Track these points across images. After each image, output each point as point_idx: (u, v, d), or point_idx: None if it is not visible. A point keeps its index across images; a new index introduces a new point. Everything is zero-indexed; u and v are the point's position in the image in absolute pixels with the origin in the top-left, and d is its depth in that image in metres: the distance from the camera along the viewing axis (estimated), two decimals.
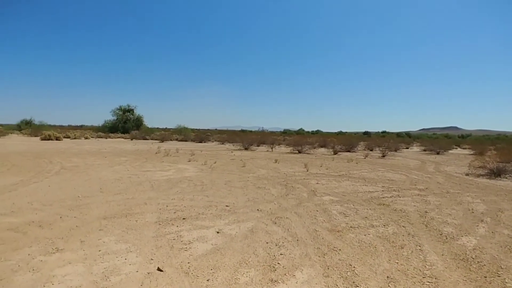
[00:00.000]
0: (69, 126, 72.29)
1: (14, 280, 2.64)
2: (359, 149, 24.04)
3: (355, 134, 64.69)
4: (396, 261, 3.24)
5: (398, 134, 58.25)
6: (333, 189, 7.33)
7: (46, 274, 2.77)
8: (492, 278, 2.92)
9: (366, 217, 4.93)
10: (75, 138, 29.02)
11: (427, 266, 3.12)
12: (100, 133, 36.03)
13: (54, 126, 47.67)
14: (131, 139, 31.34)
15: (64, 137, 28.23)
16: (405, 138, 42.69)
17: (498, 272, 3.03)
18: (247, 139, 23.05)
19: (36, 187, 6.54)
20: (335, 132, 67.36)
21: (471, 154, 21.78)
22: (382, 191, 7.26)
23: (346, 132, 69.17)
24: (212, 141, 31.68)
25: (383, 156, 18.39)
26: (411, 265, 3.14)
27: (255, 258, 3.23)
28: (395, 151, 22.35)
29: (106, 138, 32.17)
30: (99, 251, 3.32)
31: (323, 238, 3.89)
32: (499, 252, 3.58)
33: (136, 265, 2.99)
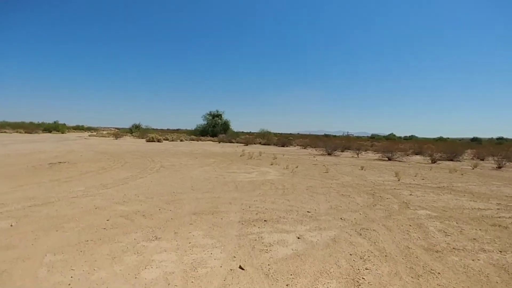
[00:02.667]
0: (167, 129, 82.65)
1: (123, 260, 3.10)
2: (465, 158, 20.66)
3: (459, 140, 55.91)
4: None
5: None
6: (430, 202, 6.44)
7: (147, 257, 3.17)
8: None
9: (474, 239, 4.15)
10: (172, 140, 32.92)
11: None
12: (192, 136, 40.03)
13: (156, 129, 55.12)
14: (219, 142, 33.84)
15: (164, 139, 32.30)
16: None
17: None
18: (331, 144, 22.29)
19: (141, 182, 7.62)
20: (434, 138, 59.42)
21: None
22: (498, 209, 6.03)
23: (448, 138, 60.31)
24: (294, 146, 31.74)
25: (499, 167, 15.35)
26: None
27: (337, 269, 3.05)
28: None
29: (197, 141, 35.50)
30: (189, 243, 3.64)
31: (417, 257, 3.43)
32: None
33: (220, 261, 3.17)
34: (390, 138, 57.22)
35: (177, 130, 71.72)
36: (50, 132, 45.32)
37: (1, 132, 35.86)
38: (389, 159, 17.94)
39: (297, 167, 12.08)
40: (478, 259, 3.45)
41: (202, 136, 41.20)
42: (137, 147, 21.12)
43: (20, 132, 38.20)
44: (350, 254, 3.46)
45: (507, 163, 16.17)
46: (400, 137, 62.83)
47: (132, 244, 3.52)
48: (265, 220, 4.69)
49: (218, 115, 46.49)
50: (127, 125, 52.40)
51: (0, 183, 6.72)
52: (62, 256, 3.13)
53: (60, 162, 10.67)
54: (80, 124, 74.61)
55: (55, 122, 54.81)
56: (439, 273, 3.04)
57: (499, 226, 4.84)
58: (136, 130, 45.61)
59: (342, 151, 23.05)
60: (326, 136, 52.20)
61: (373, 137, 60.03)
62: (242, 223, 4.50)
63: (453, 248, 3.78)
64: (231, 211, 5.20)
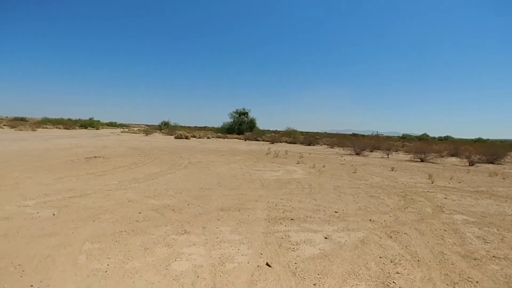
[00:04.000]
0: (195, 127, 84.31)
1: (155, 251, 3.22)
2: (507, 161, 19.25)
3: (501, 142, 52.13)
4: None
5: None
6: (467, 207, 6.08)
7: (177, 250, 3.27)
8: None
9: None
10: (199, 138, 33.63)
11: None
12: (219, 133, 40.65)
13: (184, 127, 56.54)
14: (245, 140, 34.07)
15: (192, 137, 33.09)
16: None
17: None
18: (359, 143, 21.66)
19: (170, 177, 7.86)
20: (472, 139, 55.88)
21: None
22: None
23: (488, 140, 56.44)
24: (321, 145, 31.23)
25: None
26: None
27: (366, 272, 2.97)
28: None
29: (224, 138, 35.98)
30: (217, 238, 3.71)
31: (452, 264, 3.26)
32: None
33: (247, 257, 3.20)
34: (423, 138, 54.53)
35: (204, 127, 73.18)
36: (86, 128, 48.08)
37: (43, 128, 38.51)
38: (422, 161, 17.14)
39: (324, 166, 11.89)
40: None
41: (229, 133, 41.71)
42: (166, 143, 21.80)
43: (59, 128, 40.84)
44: (380, 257, 3.36)
45: None
46: (434, 138, 59.74)
47: (163, 237, 3.65)
48: (291, 219, 4.67)
49: (245, 113, 46.81)
50: (157, 122, 54.30)
51: (43, 175, 7.23)
52: (99, 245, 3.32)
53: (96, 157, 11.27)
54: (113, 121, 78.39)
55: (90, 118, 58.08)
56: (477, 281, 2.87)
57: None
58: (165, 127, 47.09)
59: (371, 151, 22.35)
60: (354, 135, 50.83)
61: (405, 137, 57.51)
62: (269, 221, 4.52)
63: (493, 256, 3.55)
64: (257, 208, 5.23)
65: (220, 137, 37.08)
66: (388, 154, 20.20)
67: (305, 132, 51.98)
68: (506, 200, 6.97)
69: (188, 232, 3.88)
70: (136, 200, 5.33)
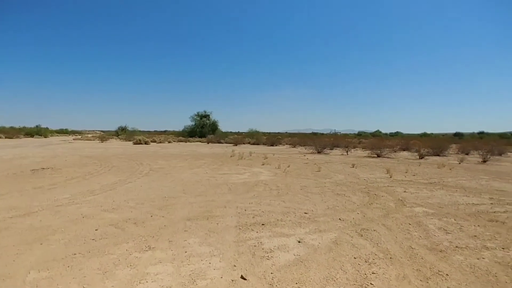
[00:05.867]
0: (155, 131, 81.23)
1: (116, 274, 2.87)
2: (450, 152, 21.08)
3: (443, 135, 57.21)
4: None
5: (502, 135, 49.17)
6: (425, 199, 6.43)
7: (141, 271, 2.95)
8: None
9: (475, 236, 4.11)
10: (160, 142, 32.37)
11: None
12: (180, 137, 39.52)
13: (143, 131, 54.15)
14: (207, 143, 33.48)
15: (151, 141, 31.72)
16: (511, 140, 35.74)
17: None
18: (320, 142, 22.32)
19: (130, 187, 7.32)
20: (418, 134, 60.65)
21: None
22: (491, 204, 6.07)
23: (432, 134, 61.64)
24: (284, 145, 31.72)
25: (484, 161, 15.72)
26: None
27: (344, 275, 2.92)
28: (500, 155, 18.89)
29: (186, 142, 35.04)
30: (185, 252, 3.44)
31: (422, 258, 3.34)
32: None
33: (220, 271, 2.99)
34: (377, 134, 58.07)
35: (165, 131, 70.61)
36: (32, 136, 43.90)
37: None
38: (378, 156, 18.10)
39: (289, 166, 11.98)
40: (483, 258, 3.39)
41: (190, 137, 40.77)
42: (124, 150, 20.59)
43: None
44: (354, 258, 3.34)
45: (491, 157, 16.56)
46: (386, 134, 63.86)
47: (124, 256, 3.29)
48: (262, 224, 4.53)
49: (206, 116, 46.07)
50: (113, 127, 51.35)
51: None
52: (48, 273, 2.88)
53: (44, 168, 10.20)
54: (64, 128, 72.45)
55: (37, 126, 53.14)
56: (447, 274, 2.95)
57: (496, 221, 4.84)
58: (122, 133, 44.69)
59: (331, 149, 23.14)
60: (314, 134, 52.47)
61: (360, 134, 60.81)
62: (240, 228, 4.33)
63: (456, 246, 3.72)
64: (226, 215, 5.01)
65: (181, 141, 36.03)
66: (347, 151, 21.05)
67: (267, 132, 52.57)
68: (456, 190, 7.52)
69: (153, 248, 3.55)
70: (92, 215, 4.82)
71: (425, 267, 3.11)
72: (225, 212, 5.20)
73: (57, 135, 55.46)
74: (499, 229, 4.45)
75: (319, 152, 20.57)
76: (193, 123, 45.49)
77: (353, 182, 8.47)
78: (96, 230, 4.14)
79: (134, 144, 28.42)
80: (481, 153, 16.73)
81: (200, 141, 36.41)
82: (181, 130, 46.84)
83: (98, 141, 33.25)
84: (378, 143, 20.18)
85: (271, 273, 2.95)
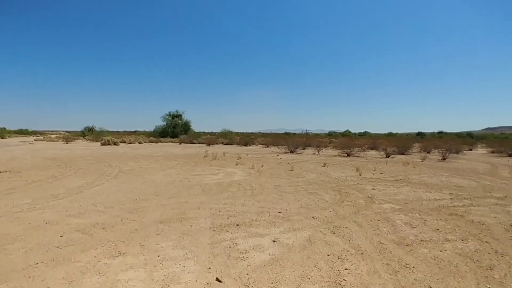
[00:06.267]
0: (124, 131, 78.27)
1: (83, 283, 2.72)
2: (413, 151, 22.30)
3: (406, 135, 60.34)
4: (488, 285, 2.75)
5: (458, 135, 52.81)
6: (392, 195, 6.74)
7: (111, 278, 2.82)
8: None
9: (437, 229, 4.38)
10: (130, 143, 31.23)
11: None
12: (151, 137, 38.38)
13: (112, 132, 51.92)
14: (180, 143, 32.81)
15: (121, 142, 30.54)
16: (467, 139, 38.48)
17: None
18: (292, 142, 22.67)
19: (98, 190, 6.99)
20: (385, 133, 63.52)
21: None
22: (451, 199, 6.49)
23: (397, 133, 64.81)
24: (257, 145, 31.85)
25: (444, 159, 16.78)
26: None
27: (318, 273, 2.98)
28: (457, 153, 20.25)
29: (157, 143, 34.08)
30: (158, 256, 3.34)
31: (391, 252, 3.50)
32: None
33: (194, 274, 2.93)
34: (346, 134, 59.94)
35: (135, 132, 68.14)
36: None
37: None
38: (348, 155, 18.72)
39: (262, 166, 12.04)
40: (445, 249, 3.62)
41: (162, 137, 39.75)
42: (92, 151, 19.62)
43: None
44: (328, 255, 3.43)
45: (450, 155, 17.74)
46: (355, 133, 66.14)
47: (93, 263, 3.13)
48: (237, 225, 4.51)
49: (178, 116, 45.19)
50: (79, 127, 48.79)
51: None
52: (6, 286, 2.66)
53: (0, 172, 9.46)
54: (24, 128, 67.38)
55: None
56: (413, 267, 3.12)
57: (456, 215, 5.18)
58: (89, 133, 42.55)
59: (304, 149, 23.58)
60: (287, 134, 53.18)
61: (331, 134, 62.54)
62: (214, 230, 4.28)
63: (421, 240, 3.94)
64: (200, 216, 4.93)
65: (153, 142, 34.99)
66: (319, 151, 21.58)
67: (240, 132, 52.48)
68: (420, 187, 7.96)
69: (124, 253, 3.41)
70: (56, 221, 4.53)
71: (393, 261, 3.26)
72: (199, 213, 5.12)
73: (16, 136, 51.57)
74: (458, 222, 4.77)
75: (292, 152, 20.88)
76: (165, 123, 44.42)
77: (325, 181, 8.68)
78: (60, 236, 3.90)
79: (102, 145, 27.17)
80: (441, 151, 17.86)
81: (172, 142, 35.58)
82: (152, 130, 45.56)
83: (62, 142, 31.37)
84: (348, 142, 20.86)
85: (247, 274, 2.95)
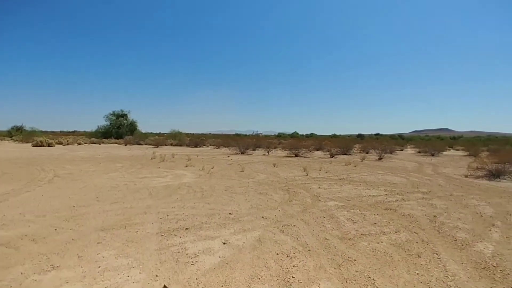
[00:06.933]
0: (61, 132, 71.12)
1: None
2: (354, 151, 24.04)
3: (348, 136, 64.84)
4: (416, 271, 3.07)
5: (392, 136, 58.50)
6: (336, 193, 7.17)
7: None
8: None
9: (375, 223, 4.77)
10: (67, 144, 28.46)
11: (449, 277, 2.96)
12: (93, 138, 35.48)
13: (46, 132, 46.81)
14: (125, 145, 30.87)
15: (57, 143, 27.68)
16: (399, 140, 42.83)
17: None
18: (243, 143, 22.81)
19: (28, 197, 6.23)
20: (329, 135, 67.43)
21: (466, 156, 21.98)
22: (386, 195, 7.13)
23: (340, 135, 69.29)
24: (207, 146, 31.41)
25: (380, 158, 18.37)
26: (432, 276, 2.97)
27: (267, 272, 3.03)
28: (391, 153, 22.39)
29: (100, 144, 31.63)
30: (99, 267, 3.08)
31: (335, 247, 3.72)
32: None
33: (140, 283, 2.76)
34: (294, 136, 62.27)
35: (74, 132, 62.19)
36: None
37: None
38: (296, 156, 19.45)
39: (213, 167, 11.90)
40: (381, 241, 3.95)
41: (105, 138, 36.99)
42: (21, 153, 17.42)
43: None
44: (277, 254, 3.51)
45: (385, 155, 19.52)
46: (302, 135, 68.99)
47: (19, 281, 2.77)
48: (186, 228, 4.38)
49: (123, 115, 42.44)
50: (5, 127, 43.01)
51: None
52: None
53: None
54: None
55: None
56: (355, 259, 3.35)
57: (390, 209, 5.71)
58: (17, 133, 37.72)
59: (254, 150, 23.91)
60: (237, 135, 53.35)
61: (280, 135, 64.32)
62: (162, 235, 4.09)
63: (361, 234, 4.25)
64: (147, 222, 4.68)
65: (94, 143, 32.35)
66: (268, 152, 22.06)
67: (190, 133, 51.22)
68: (360, 184, 8.60)
69: (58, 266, 3.08)
70: None
71: (337, 255, 3.46)
72: (146, 218, 4.86)
73: None
74: (392, 215, 5.26)
75: (242, 153, 21.01)
76: (108, 123, 41.41)
77: (275, 181, 8.90)
78: None
79: (34, 146, 24.24)
80: (378, 151, 19.56)
81: (116, 143, 33.28)
82: (94, 130, 42.13)
83: None
84: (296, 143, 21.67)
85: (196, 278, 2.87)
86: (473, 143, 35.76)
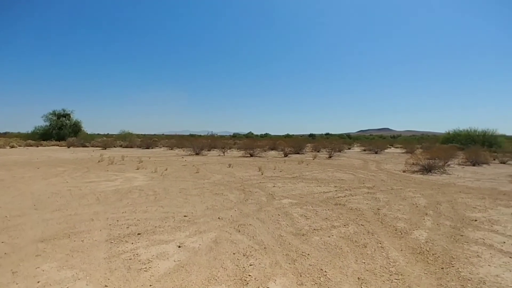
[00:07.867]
0: None
1: None
2: (307, 151, 25.04)
3: (301, 136, 67.28)
4: (363, 261, 3.32)
5: (340, 136, 62.21)
6: (290, 191, 7.41)
7: None
8: (448, 269, 3.14)
9: (326, 218, 5.03)
10: None
11: (391, 263, 3.25)
12: (29, 140, 31.87)
13: None
14: (68, 147, 28.36)
15: None
16: (346, 140, 45.73)
17: (452, 263, 3.29)
18: (197, 143, 22.38)
19: None
20: (283, 135, 69.31)
21: (404, 153, 24.21)
22: (336, 191, 7.56)
23: (293, 135, 71.64)
24: (160, 147, 30.23)
25: (330, 157, 19.39)
26: (377, 264, 3.24)
27: (224, 272, 3.03)
28: (340, 151, 23.71)
29: (38, 147, 28.60)
30: (38, 282, 2.80)
31: (289, 244, 3.84)
32: (448, 243, 3.91)
33: None
34: (249, 136, 62.87)
35: (5, 134, 55.15)
36: None
37: None
38: (251, 155, 19.65)
39: (166, 169, 11.50)
40: (332, 235, 4.19)
41: (44, 140, 33.52)
42: None
43: None
44: (234, 253, 3.52)
45: (335, 153, 20.68)
46: (257, 135, 69.94)
47: None
48: (138, 233, 4.19)
49: (66, 115, 38.96)
50: None
51: None
52: None
53: None
54: None
55: None
56: (308, 254, 3.50)
57: (339, 204, 6.07)
58: None
59: (209, 150, 23.61)
60: (192, 136, 52.20)
61: (235, 136, 64.45)
62: (111, 242, 3.86)
63: (314, 229, 4.46)
64: (94, 229, 4.37)
65: (31, 145, 29.13)
66: (224, 152, 21.96)
67: (142, 134, 48.75)
68: (312, 182, 9.00)
69: None
70: None
71: (292, 251, 3.59)
72: (93, 225, 4.53)
73: None
74: (342, 210, 5.60)
75: (197, 154, 20.62)
76: (48, 123, 37.68)
77: (230, 181, 8.90)
78: None
79: None
80: (328, 150, 20.63)
81: (58, 145, 30.37)
82: (30, 132, 37.95)
83: None
84: (251, 143, 21.88)
85: (150, 285, 2.76)
86: (409, 141, 39.49)
